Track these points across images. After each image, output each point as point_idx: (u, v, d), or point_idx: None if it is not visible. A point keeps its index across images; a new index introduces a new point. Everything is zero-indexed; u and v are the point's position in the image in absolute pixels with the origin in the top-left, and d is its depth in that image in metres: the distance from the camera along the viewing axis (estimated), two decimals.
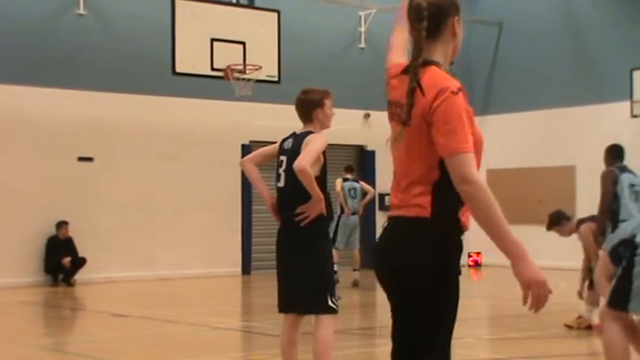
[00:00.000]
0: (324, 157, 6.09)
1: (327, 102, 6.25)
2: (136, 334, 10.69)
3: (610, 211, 9.69)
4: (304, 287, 6.07)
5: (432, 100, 3.22)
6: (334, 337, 6.16)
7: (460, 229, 3.39)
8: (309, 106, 6.20)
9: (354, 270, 16.53)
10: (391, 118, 3.46)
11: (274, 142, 6.60)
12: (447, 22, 3.40)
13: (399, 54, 3.63)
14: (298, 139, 6.13)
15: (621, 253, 6.12)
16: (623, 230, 6.45)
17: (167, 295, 16.04)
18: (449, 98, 3.20)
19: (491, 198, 3.17)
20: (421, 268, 3.33)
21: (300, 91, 6.35)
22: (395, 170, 3.47)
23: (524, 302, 3.14)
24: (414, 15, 3.35)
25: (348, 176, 16.66)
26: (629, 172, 9.91)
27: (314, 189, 5.90)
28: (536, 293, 3.11)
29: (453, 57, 3.47)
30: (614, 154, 10.03)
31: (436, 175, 3.30)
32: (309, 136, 6.07)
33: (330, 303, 6.03)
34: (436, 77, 3.28)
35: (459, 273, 3.42)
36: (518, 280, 3.13)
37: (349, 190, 16.36)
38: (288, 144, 6.19)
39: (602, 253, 6.56)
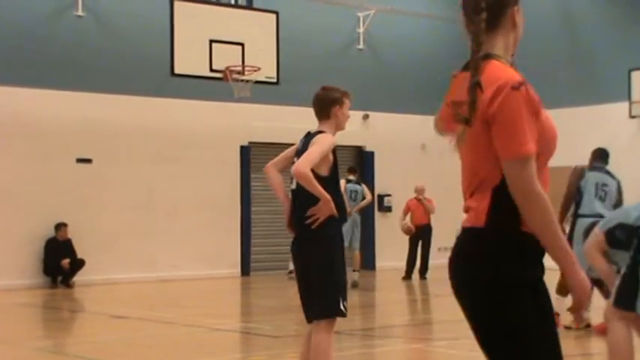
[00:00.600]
0: (335, 156, 5.97)
1: (347, 102, 6.14)
2: (135, 336, 10.69)
3: (570, 204, 10.00)
4: (317, 291, 5.89)
5: (491, 98, 3.02)
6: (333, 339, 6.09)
7: (525, 241, 3.08)
8: (329, 103, 6.08)
9: (354, 271, 16.50)
10: (453, 119, 3.21)
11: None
12: (506, 12, 3.26)
13: None
14: (308, 139, 6.04)
15: (618, 236, 6.05)
16: (624, 214, 6.33)
17: (166, 296, 16.04)
18: (508, 95, 3.00)
19: (549, 208, 3.00)
20: (473, 290, 3.13)
21: (320, 87, 6.24)
22: (462, 175, 3.25)
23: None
24: (472, 7, 3.19)
25: (351, 177, 16.68)
26: (605, 172, 10.15)
27: (318, 191, 5.78)
28: (580, 299, 3.13)
29: (513, 49, 3.30)
30: (596, 155, 10.45)
31: (498, 178, 3.07)
32: (316, 137, 5.96)
33: (341, 306, 5.88)
34: (496, 72, 3.09)
35: (528, 295, 3.08)
36: (569, 288, 3.13)
37: (351, 192, 16.35)
38: (300, 144, 6.09)
39: (597, 230, 6.44)
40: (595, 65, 20.66)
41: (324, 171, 5.91)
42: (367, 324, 12.24)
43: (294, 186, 6.07)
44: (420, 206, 18.32)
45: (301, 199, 5.96)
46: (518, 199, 3.01)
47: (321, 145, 5.89)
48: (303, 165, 5.74)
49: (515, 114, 2.99)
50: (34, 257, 17.37)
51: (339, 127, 6.16)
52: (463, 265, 3.15)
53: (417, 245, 18.36)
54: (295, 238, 6.12)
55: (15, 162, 17.31)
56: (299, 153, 6.03)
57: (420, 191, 18.41)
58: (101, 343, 10.13)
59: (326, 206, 5.83)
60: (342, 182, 16.15)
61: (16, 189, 17.21)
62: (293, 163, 6.08)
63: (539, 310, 3.09)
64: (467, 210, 3.19)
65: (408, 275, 18.38)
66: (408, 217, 18.32)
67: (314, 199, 5.84)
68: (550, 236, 3.02)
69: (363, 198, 16.63)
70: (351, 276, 16.41)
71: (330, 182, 5.93)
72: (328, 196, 5.83)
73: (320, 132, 6.05)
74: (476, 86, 3.07)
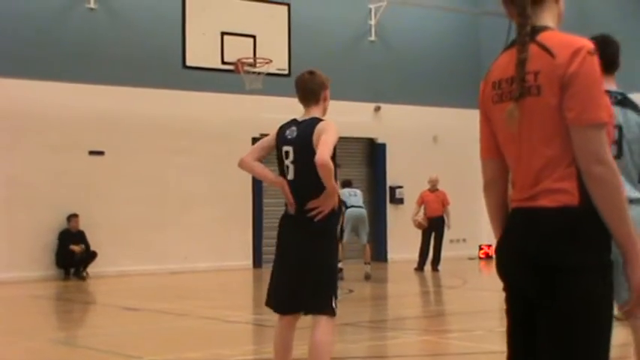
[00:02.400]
0: (334, 147, 5.69)
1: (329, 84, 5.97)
2: (147, 328, 10.71)
3: None
4: (313, 285, 5.64)
5: (569, 61, 2.83)
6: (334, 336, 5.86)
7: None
8: (320, 87, 5.87)
9: (365, 263, 16.52)
10: (498, 99, 3.02)
11: None
12: None
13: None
14: (304, 126, 5.73)
15: None
16: None
17: (178, 288, 16.07)
18: (587, 59, 2.82)
19: (621, 184, 2.80)
20: (578, 273, 2.82)
21: (306, 71, 6.00)
22: (512, 157, 3.00)
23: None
24: None
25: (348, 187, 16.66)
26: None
27: (331, 182, 5.53)
28: (637, 298, 2.83)
29: (559, 23, 3.07)
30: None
31: (570, 156, 2.86)
32: (321, 125, 5.68)
33: (333, 304, 5.64)
34: (563, 37, 2.91)
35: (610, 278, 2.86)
36: (629, 281, 2.83)
37: (349, 193, 16.35)
38: (292, 133, 5.77)
39: None
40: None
41: None
42: (379, 316, 12.24)
43: (290, 176, 5.76)
44: (433, 198, 18.28)
45: (300, 190, 5.70)
46: (592, 172, 2.80)
47: (332, 133, 5.62)
48: (326, 155, 5.46)
49: (593, 78, 2.84)
50: (47, 249, 17.43)
51: (325, 111, 5.91)
52: (558, 245, 2.84)
53: (429, 237, 18.33)
54: (289, 227, 5.81)
55: (28, 154, 17.37)
56: (293, 142, 5.73)
57: (433, 182, 18.35)
58: (113, 335, 10.16)
59: (332, 197, 5.62)
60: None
61: (28, 181, 17.27)
62: (287, 153, 5.75)
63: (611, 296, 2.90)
64: (531, 193, 2.91)
65: (420, 267, 18.37)
66: (421, 210, 18.28)
67: (313, 191, 5.61)
68: (621, 219, 2.81)
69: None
70: (363, 268, 16.47)
71: None
72: (337, 188, 5.65)
73: (317, 119, 5.76)
74: (524, 61, 2.90)
